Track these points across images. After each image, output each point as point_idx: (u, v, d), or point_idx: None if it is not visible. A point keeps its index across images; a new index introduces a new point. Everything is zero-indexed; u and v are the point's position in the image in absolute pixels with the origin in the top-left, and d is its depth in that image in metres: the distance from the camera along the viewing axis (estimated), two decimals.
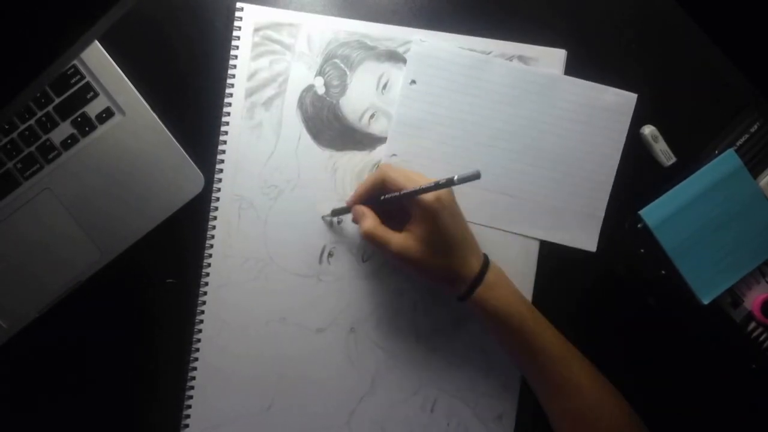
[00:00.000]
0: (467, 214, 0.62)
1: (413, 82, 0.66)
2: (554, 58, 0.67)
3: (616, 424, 0.60)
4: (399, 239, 0.59)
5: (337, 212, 0.65)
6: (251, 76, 0.65)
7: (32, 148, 0.63)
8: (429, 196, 0.57)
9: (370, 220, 0.60)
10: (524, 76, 0.66)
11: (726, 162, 0.67)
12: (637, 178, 0.67)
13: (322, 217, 0.66)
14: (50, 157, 0.63)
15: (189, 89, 0.65)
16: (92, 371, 0.64)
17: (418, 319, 0.66)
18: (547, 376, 0.61)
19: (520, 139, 0.67)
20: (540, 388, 0.62)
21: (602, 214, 0.67)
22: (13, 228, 0.62)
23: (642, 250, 0.67)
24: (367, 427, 0.65)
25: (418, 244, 0.58)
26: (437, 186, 0.55)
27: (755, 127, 0.68)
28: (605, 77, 0.67)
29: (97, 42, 0.63)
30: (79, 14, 0.52)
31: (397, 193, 0.59)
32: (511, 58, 0.67)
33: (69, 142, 0.63)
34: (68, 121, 0.63)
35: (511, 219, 0.67)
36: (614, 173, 0.67)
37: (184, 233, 0.65)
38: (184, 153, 0.64)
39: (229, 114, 0.65)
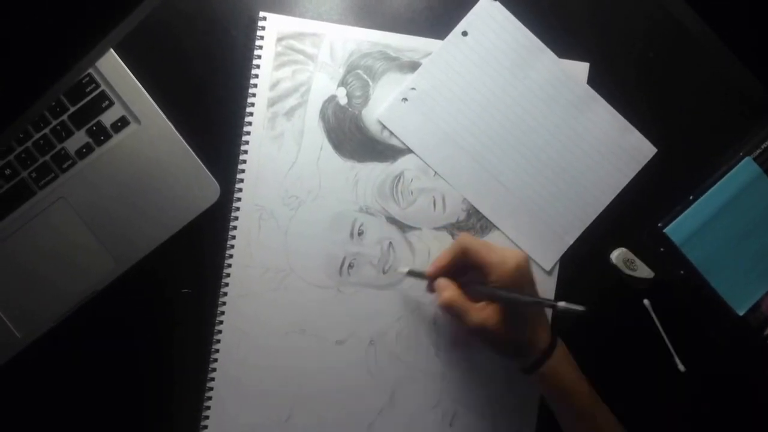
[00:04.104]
0: (456, 180, 0.64)
1: (465, 33, 0.66)
2: (578, 70, 0.67)
3: None
4: (478, 311, 0.59)
5: (414, 274, 0.64)
6: (273, 86, 0.64)
7: (47, 157, 0.61)
8: (510, 268, 0.57)
9: (450, 291, 0.60)
10: (566, 81, 0.66)
11: (744, 171, 0.67)
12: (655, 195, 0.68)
13: (398, 270, 0.65)
14: (65, 166, 0.62)
15: (207, 98, 0.64)
16: (108, 382, 0.64)
17: (438, 332, 0.66)
18: None
19: (534, 136, 0.66)
20: None
21: (571, 241, 0.67)
22: (27, 238, 0.61)
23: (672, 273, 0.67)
24: None
25: (496, 316, 0.58)
26: (540, 303, 0.55)
27: None
28: (623, 86, 0.68)
29: (112, 50, 0.62)
30: (94, 22, 0.50)
31: (488, 289, 0.59)
32: None
33: (84, 151, 0.62)
34: (83, 130, 0.62)
35: (491, 205, 0.66)
36: (598, 212, 0.67)
37: (201, 243, 0.64)
38: (200, 162, 0.63)
39: (250, 123, 0.64)
